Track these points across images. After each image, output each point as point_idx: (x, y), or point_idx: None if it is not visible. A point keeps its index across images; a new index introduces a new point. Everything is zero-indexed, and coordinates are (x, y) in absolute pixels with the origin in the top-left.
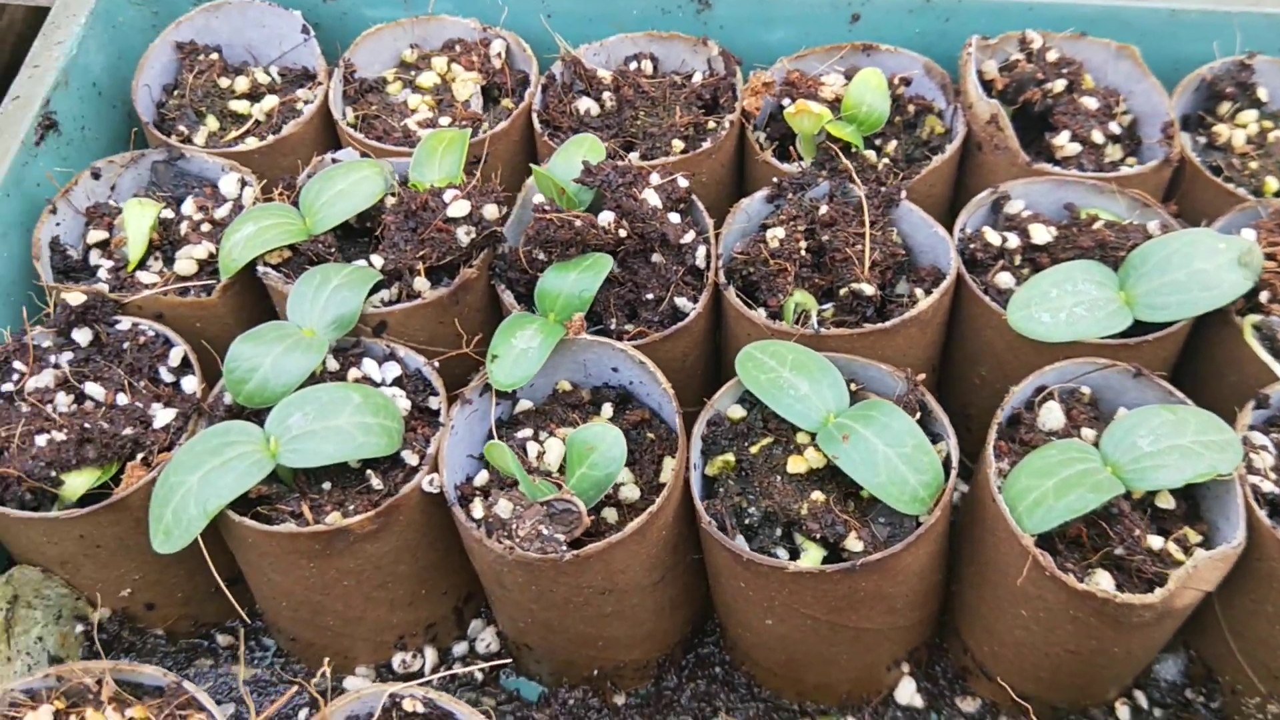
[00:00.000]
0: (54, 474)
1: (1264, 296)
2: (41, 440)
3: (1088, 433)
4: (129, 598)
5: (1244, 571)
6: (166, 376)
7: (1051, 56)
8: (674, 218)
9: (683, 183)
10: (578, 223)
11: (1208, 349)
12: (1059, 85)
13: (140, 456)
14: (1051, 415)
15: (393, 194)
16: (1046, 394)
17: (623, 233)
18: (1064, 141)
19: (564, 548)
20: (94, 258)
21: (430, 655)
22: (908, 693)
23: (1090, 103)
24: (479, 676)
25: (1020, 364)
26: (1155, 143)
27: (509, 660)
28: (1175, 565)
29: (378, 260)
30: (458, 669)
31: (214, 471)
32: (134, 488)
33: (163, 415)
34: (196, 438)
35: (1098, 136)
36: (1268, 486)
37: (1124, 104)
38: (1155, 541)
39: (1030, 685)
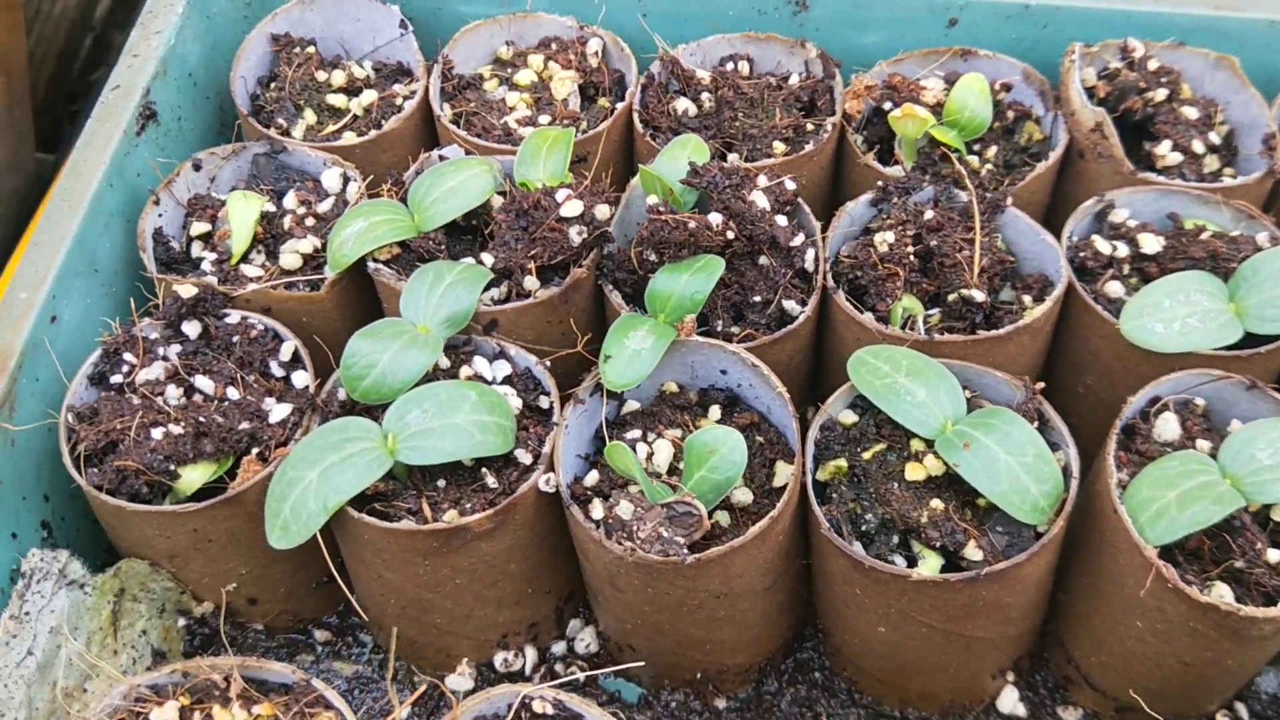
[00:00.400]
0: (172, 467)
1: None
2: (157, 433)
3: (1202, 444)
4: (233, 592)
5: None
6: (277, 371)
7: (1152, 65)
8: (781, 220)
9: (790, 185)
10: (692, 224)
11: None
12: (1160, 94)
13: (255, 451)
14: (1167, 426)
15: (500, 192)
16: (1161, 405)
17: (730, 234)
18: (1165, 151)
19: (684, 551)
20: (196, 250)
21: (530, 654)
22: (1010, 701)
23: (1190, 112)
24: (580, 677)
25: (1129, 374)
26: (1255, 154)
27: (622, 665)
28: None
29: (488, 258)
30: (575, 671)
31: (334, 467)
32: (250, 483)
33: (278, 410)
34: (315, 433)
35: (1198, 146)
36: None
37: (1221, 114)
38: (1273, 555)
39: (1137, 696)
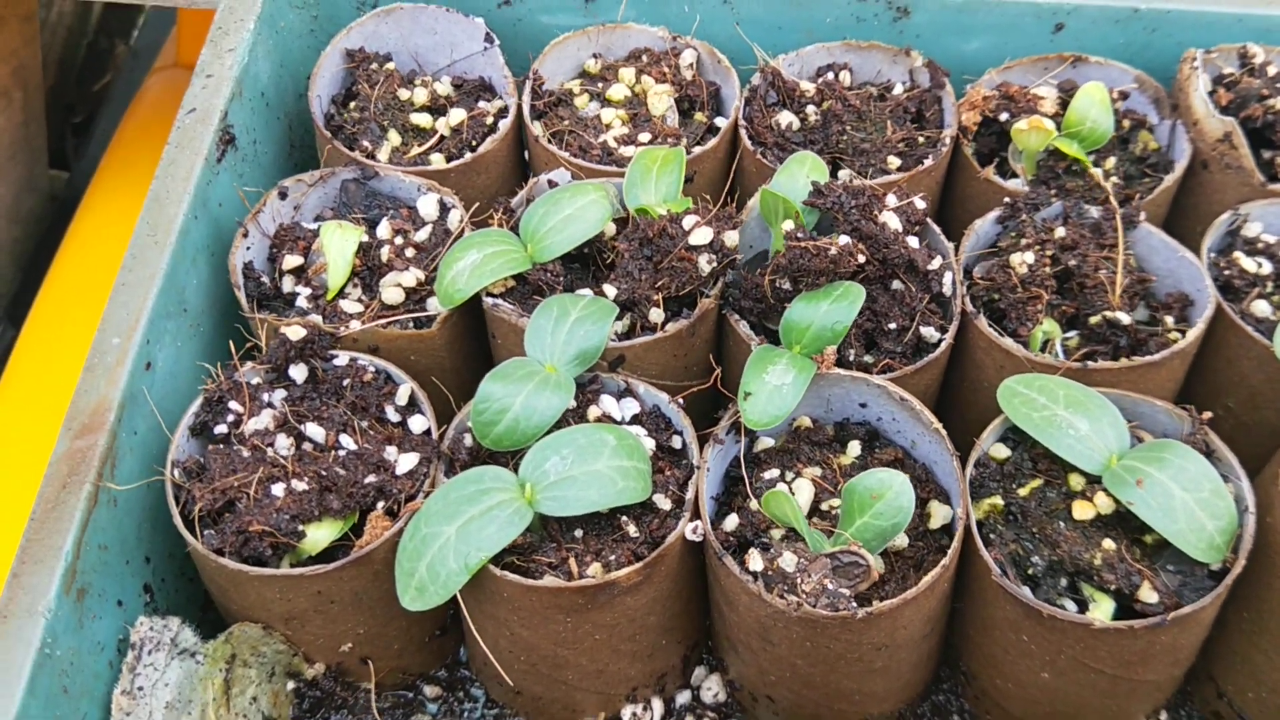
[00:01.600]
0: (299, 527)
1: None
2: (278, 490)
3: None
4: (348, 652)
5: None
6: (393, 416)
7: (1271, 71)
8: (913, 241)
9: (920, 204)
10: (833, 251)
11: None
12: None
13: (382, 505)
14: None
15: (615, 218)
16: None
17: (861, 258)
18: None
19: (853, 604)
20: (288, 284)
21: (658, 706)
22: None
23: None
24: None
25: (1278, 397)
26: None
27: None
28: None
29: (610, 290)
30: None
31: (474, 522)
32: (380, 541)
33: (404, 461)
34: (449, 484)
35: None
36: None
37: None
38: None
39: None
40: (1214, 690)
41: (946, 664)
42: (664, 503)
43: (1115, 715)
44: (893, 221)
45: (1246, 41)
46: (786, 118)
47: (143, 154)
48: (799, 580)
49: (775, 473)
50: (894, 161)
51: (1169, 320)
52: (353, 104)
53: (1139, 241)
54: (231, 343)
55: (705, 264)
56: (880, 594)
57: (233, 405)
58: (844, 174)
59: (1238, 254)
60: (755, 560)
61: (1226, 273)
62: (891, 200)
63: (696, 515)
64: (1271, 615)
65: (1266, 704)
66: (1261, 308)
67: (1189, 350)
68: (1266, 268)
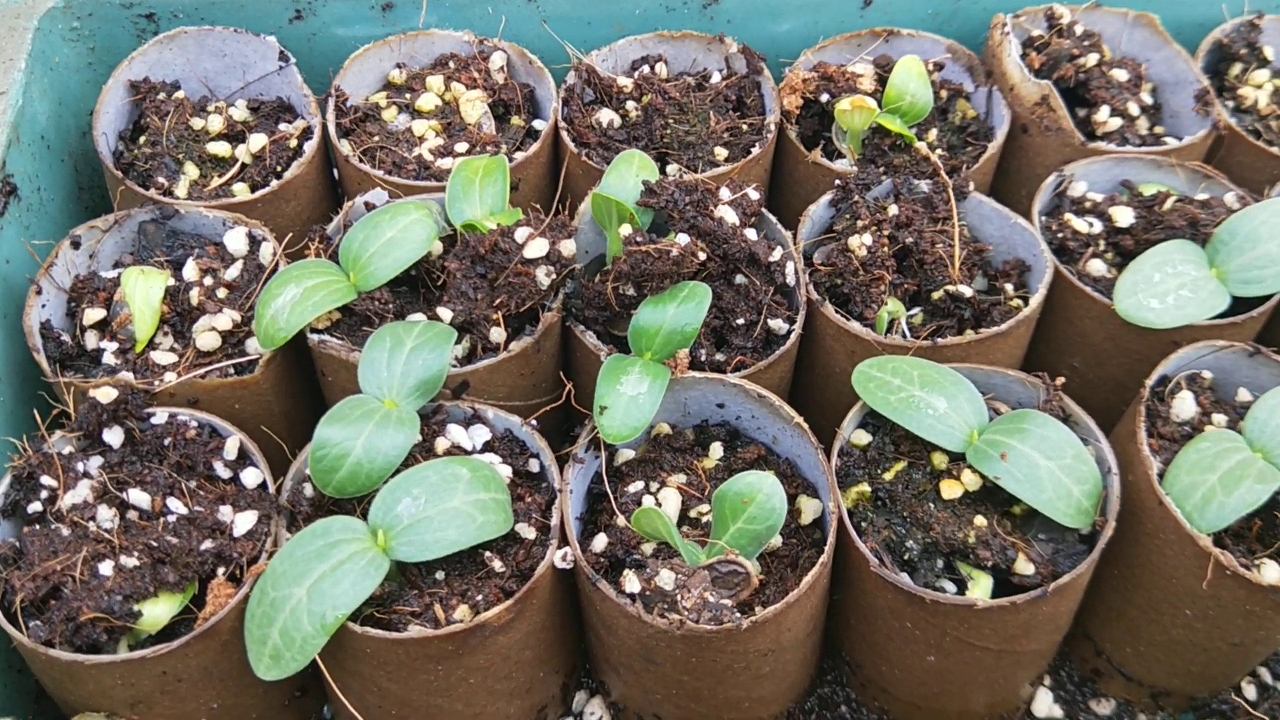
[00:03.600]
0: (134, 607)
1: None
2: (107, 568)
3: (1218, 418)
4: None
5: None
6: (223, 472)
7: (1079, 29)
8: (751, 234)
9: (754, 195)
10: (674, 252)
11: None
12: (1091, 59)
13: (223, 572)
14: (1185, 405)
15: (441, 236)
16: (1175, 384)
17: (703, 255)
18: (1105, 117)
19: (737, 615)
20: (91, 340)
21: None
22: (1045, 704)
23: (1120, 74)
24: None
25: (1121, 352)
26: (1184, 111)
27: None
28: None
29: (445, 313)
30: None
31: (325, 579)
32: (225, 610)
33: (242, 521)
34: (294, 541)
35: (1133, 108)
36: None
37: (1145, 72)
38: None
39: (1174, 680)
40: (1092, 648)
41: (829, 654)
42: (528, 531)
43: (1001, 687)
44: (729, 215)
45: (1052, 2)
46: (607, 115)
47: None
48: (679, 597)
49: (639, 485)
50: (721, 152)
51: (1009, 288)
52: (143, 139)
53: (971, 211)
54: (36, 411)
55: (544, 277)
56: (760, 598)
57: (45, 480)
58: (672, 169)
59: (1068, 215)
60: (631, 581)
61: (1060, 235)
62: (725, 193)
63: (564, 541)
64: (1142, 571)
65: (1144, 657)
66: (1097, 267)
67: (1033, 317)
68: (1097, 226)
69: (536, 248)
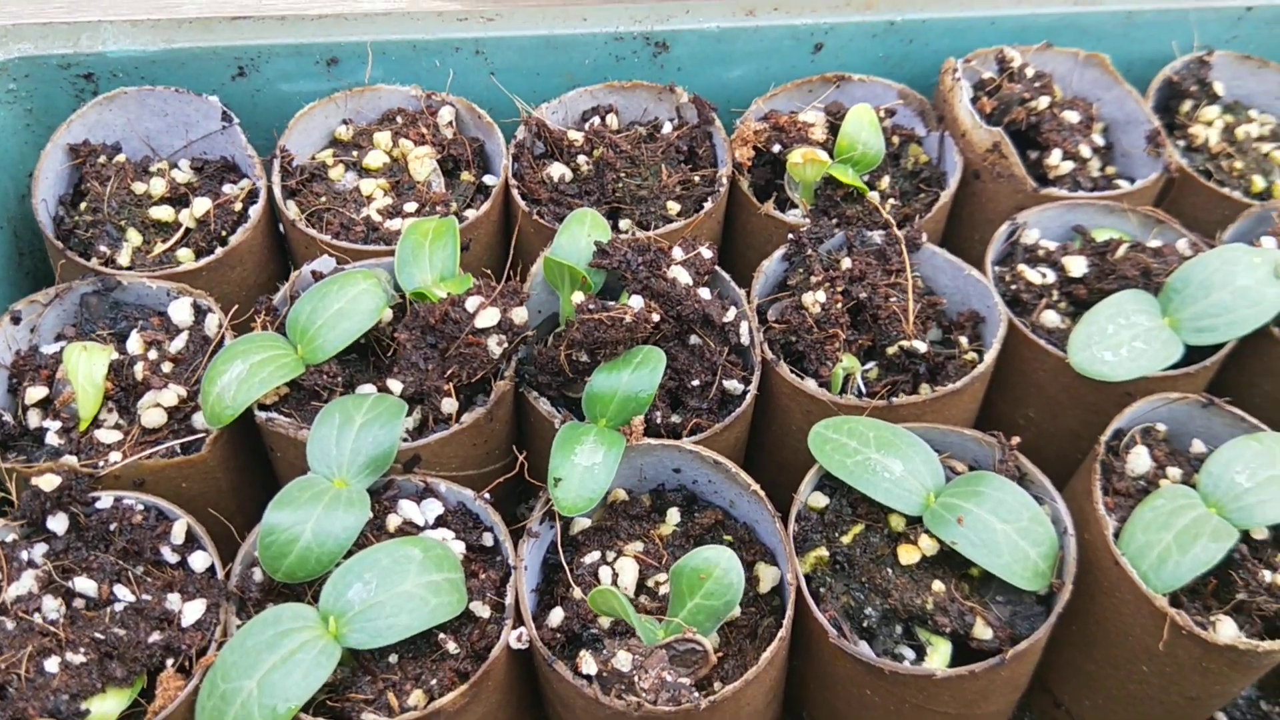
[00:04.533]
0: (81, 706)
1: None
2: (52, 665)
3: (1173, 470)
4: None
5: None
6: (170, 557)
7: (1029, 72)
8: (705, 293)
9: (707, 254)
10: (627, 319)
11: (1240, 360)
12: (1042, 102)
13: (172, 663)
14: (1140, 460)
15: (392, 304)
16: (1130, 438)
17: (656, 317)
18: (1057, 160)
19: (696, 695)
20: (34, 419)
21: None
22: None
23: (1072, 116)
24: None
25: (1076, 404)
26: (1136, 151)
27: None
28: None
29: (395, 384)
30: None
31: (276, 670)
32: (174, 704)
33: (191, 610)
34: (243, 631)
35: (1085, 150)
36: None
37: (1096, 112)
38: (1266, 575)
39: None
40: (1051, 700)
41: (788, 711)
42: (482, 610)
43: None
44: (682, 276)
45: (1002, 44)
46: (559, 170)
47: None
48: (636, 678)
49: (596, 555)
50: (673, 206)
51: (963, 340)
52: (84, 204)
53: (924, 262)
54: None
55: (495, 346)
56: (719, 673)
57: None
58: (624, 224)
59: (1021, 266)
60: (588, 663)
61: (1013, 286)
62: (678, 253)
63: (519, 621)
64: (1100, 628)
65: (1103, 710)
66: (1050, 318)
67: (987, 372)
68: (1050, 276)
69: (488, 317)
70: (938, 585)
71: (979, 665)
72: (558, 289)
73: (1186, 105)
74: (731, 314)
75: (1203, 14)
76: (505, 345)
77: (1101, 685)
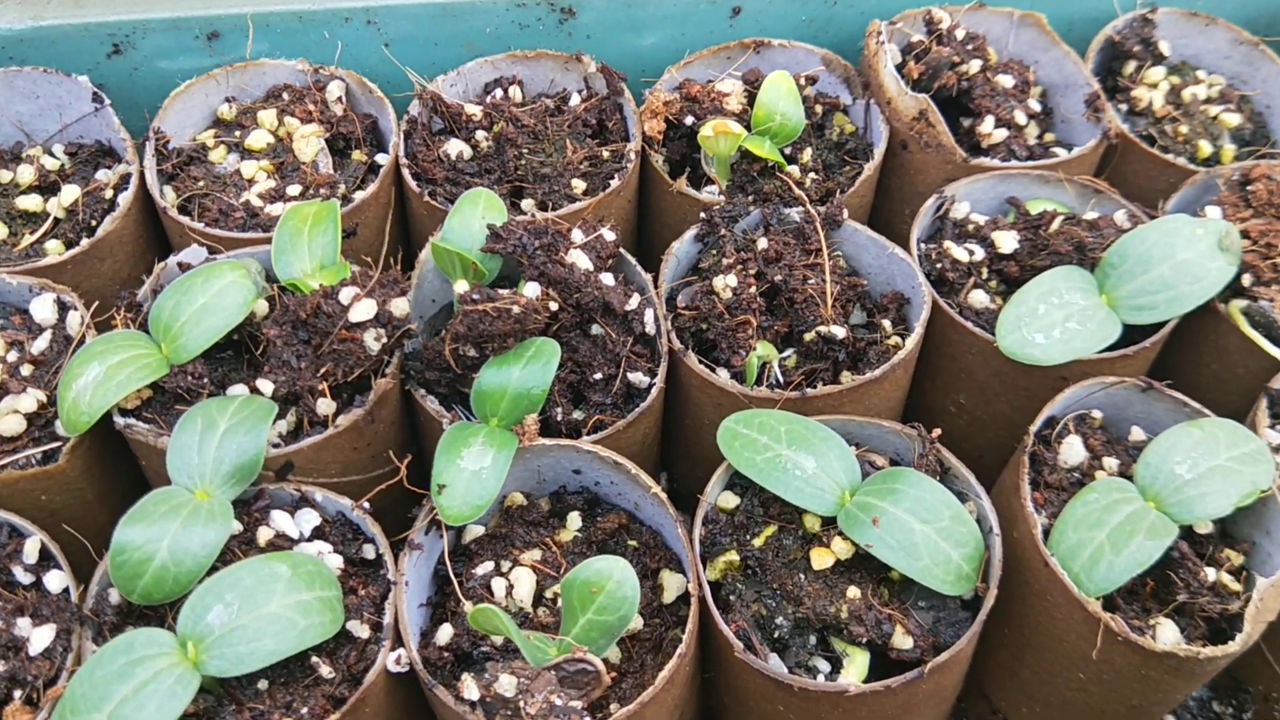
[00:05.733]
0: None
1: (1246, 279)
2: None
3: (1110, 461)
4: None
5: None
6: (23, 577)
7: (959, 34)
8: (607, 279)
9: (609, 236)
10: (515, 309)
11: (1182, 340)
12: (974, 65)
13: (19, 696)
14: (1073, 450)
15: (265, 297)
16: (1062, 426)
17: (554, 306)
18: (990, 128)
19: (586, 718)
20: None
21: None
22: None
23: (1006, 80)
24: None
25: (1006, 389)
26: (1076, 117)
27: None
28: (1232, 597)
29: (266, 385)
30: None
31: (128, 703)
32: None
33: (39, 637)
34: (93, 660)
35: (1020, 117)
36: None
37: (1033, 76)
38: (1209, 573)
39: None
40: (988, 706)
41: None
42: (361, 630)
43: None
44: (582, 260)
45: (930, 5)
46: (456, 147)
47: None
48: (522, 703)
49: (489, 566)
50: (579, 184)
51: (886, 324)
52: None
53: (847, 240)
54: None
55: (373, 341)
56: (617, 692)
57: None
58: (527, 204)
59: (948, 243)
60: (470, 688)
61: (939, 265)
62: (578, 235)
63: (398, 641)
64: (1033, 632)
65: (1040, 718)
66: (979, 298)
67: (910, 359)
68: (979, 253)
69: (363, 310)
70: (853, 591)
71: (895, 680)
72: (450, 277)
73: (1130, 66)
74: (635, 301)
75: None
76: (384, 340)
77: (1037, 692)
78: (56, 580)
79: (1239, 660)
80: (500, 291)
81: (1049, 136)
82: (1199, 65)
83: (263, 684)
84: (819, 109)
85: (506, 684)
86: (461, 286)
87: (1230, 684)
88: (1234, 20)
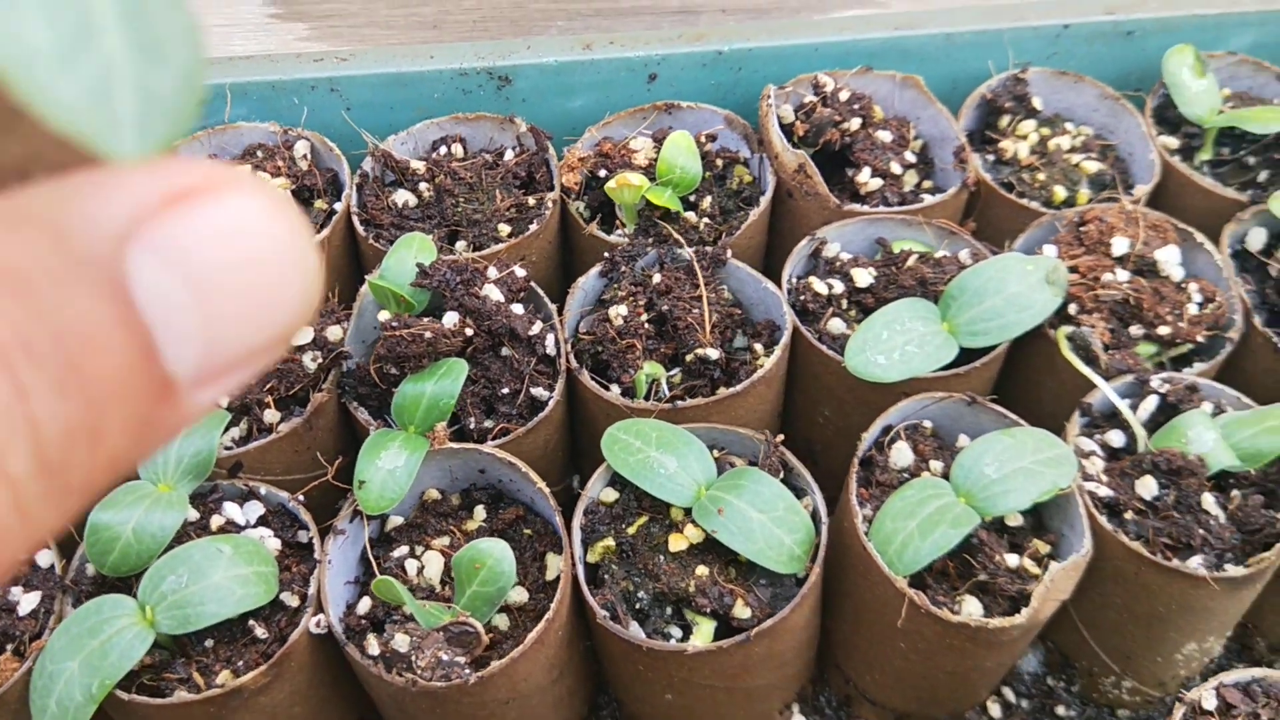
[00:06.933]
0: None
1: (1072, 308)
2: None
3: (936, 464)
4: None
5: (1091, 571)
6: None
7: (844, 96)
8: (517, 309)
9: (520, 273)
10: (428, 334)
11: (1024, 360)
12: (855, 123)
13: (10, 647)
14: (901, 454)
15: None
16: (894, 434)
17: (469, 332)
18: (866, 178)
19: (467, 670)
20: None
21: None
22: None
23: (884, 135)
24: None
25: (860, 403)
26: (949, 166)
27: None
28: (1032, 579)
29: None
30: None
31: (94, 653)
32: (10, 682)
33: (27, 601)
34: (69, 619)
35: (896, 167)
36: (1103, 491)
37: (914, 130)
38: (1011, 560)
39: (912, 704)
40: (841, 677)
41: (603, 690)
42: (292, 600)
43: (747, 717)
44: (494, 293)
45: (828, 69)
46: (403, 196)
47: None
48: (414, 658)
49: (404, 550)
50: (505, 228)
51: (758, 347)
52: None
53: (732, 275)
54: None
55: (310, 362)
56: (500, 652)
57: None
58: (460, 245)
59: (811, 278)
60: (372, 645)
61: (803, 297)
62: (493, 272)
63: (320, 609)
64: (862, 609)
65: (881, 684)
66: (837, 325)
67: (770, 375)
68: (839, 287)
69: (302, 335)
70: (701, 570)
71: (727, 641)
72: (386, 308)
73: (1004, 120)
74: (538, 327)
75: (1020, 33)
76: (320, 360)
77: (874, 662)
78: (45, 556)
79: (1067, 639)
80: (418, 320)
81: (927, 184)
82: (1070, 118)
83: (209, 642)
84: (719, 162)
85: (401, 641)
86: (383, 315)
87: (1061, 660)
88: (1106, 78)
